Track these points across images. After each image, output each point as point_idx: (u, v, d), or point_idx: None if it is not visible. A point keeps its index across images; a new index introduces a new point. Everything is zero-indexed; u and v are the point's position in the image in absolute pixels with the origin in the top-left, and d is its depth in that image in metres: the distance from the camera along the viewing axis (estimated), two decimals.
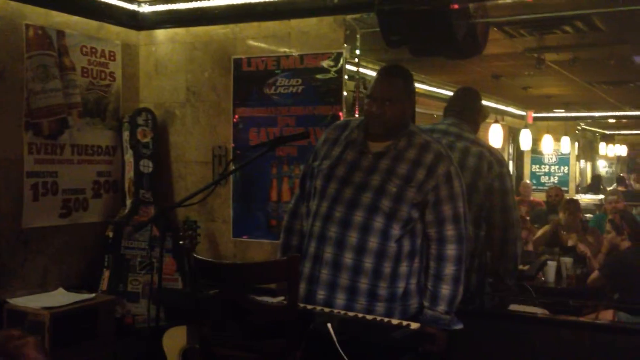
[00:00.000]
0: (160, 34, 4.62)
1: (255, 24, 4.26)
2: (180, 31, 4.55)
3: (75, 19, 4.20)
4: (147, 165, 4.43)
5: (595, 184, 12.68)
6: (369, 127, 2.63)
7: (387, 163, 2.57)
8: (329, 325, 2.18)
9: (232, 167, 4.19)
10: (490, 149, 3.41)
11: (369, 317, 2.39)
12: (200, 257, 2.52)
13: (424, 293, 2.57)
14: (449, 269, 2.52)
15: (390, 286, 2.53)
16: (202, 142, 4.49)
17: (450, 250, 2.53)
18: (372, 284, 2.51)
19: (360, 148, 2.63)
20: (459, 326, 2.57)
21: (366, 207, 2.52)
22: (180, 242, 4.08)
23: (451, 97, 3.60)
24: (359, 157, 2.61)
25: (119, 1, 4.40)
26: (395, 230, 2.51)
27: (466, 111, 3.45)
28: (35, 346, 1.58)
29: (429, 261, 2.57)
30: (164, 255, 4.23)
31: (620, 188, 10.74)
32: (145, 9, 4.54)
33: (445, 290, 2.52)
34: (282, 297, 2.52)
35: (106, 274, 4.26)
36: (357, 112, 4.01)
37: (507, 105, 9.37)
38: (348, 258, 2.52)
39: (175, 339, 3.35)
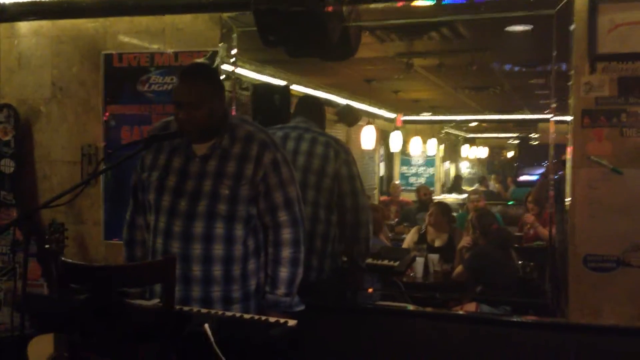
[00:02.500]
0: (24, 26, 4.35)
1: (126, 18, 4.12)
2: (45, 24, 4.31)
3: None
4: (8, 165, 4.18)
5: (457, 184, 13.42)
6: (183, 133, 2.57)
7: (215, 164, 2.55)
8: (206, 325, 2.15)
9: (102, 166, 4.03)
10: (336, 139, 3.60)
11: (246, 316, 2.38)
12: (68, 260, 2.41)
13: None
14: (286, 252, 2.58)
15: (242, 287, 2.57)
16: (69, 140, 4.28)
17: (286, 234, 2.59)
18: (225, 290, 2.53)
19: (186, 153, 2.59)
20: (301, 307, 2.63)
21: (204, 216, 2.51)
22: (46, 246, 3.88)
23: (296, 104, 3.78)
24: (186, 163, 2.57)
25: None
26: (239, 231, 2.54)
27: (313, 114, 3.65)
28: None
29: (268, 248, 2.62)
30: (28, 260, 4.01)
31: (481, 188, 11.43)
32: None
33: (284, 273, 2.58)
34: (157, 300, 2.47)
35: None
36: (233, 112, 3.99)
37: (378, 108, 9.69)
38: (196, 270, 2.51)
39: (41, 348, 3.18)
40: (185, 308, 2.41)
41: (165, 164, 2.60)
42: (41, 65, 4.33)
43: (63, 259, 2.45)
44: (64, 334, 2.53)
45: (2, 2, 4.25)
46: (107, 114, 4.16)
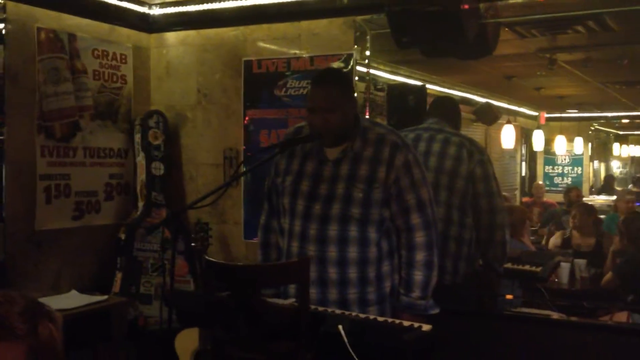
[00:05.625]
0: (171, 36, 4.64)
1: (265, 25, 4.27)
2: (191, 33, 4.56)
3: (86, 22, 4.22)
4: (158, 168, 4.45)
5: (608, 185, 12.60)
6: (317, 137, 2.59)
7: (347, 168, 2.57)
8: (340, 327, 2.16)
9: (243, 169, 4.18)
10: (470, 139, 3.51)
11: (380, 319, 2.37)
12: (211, 259, 2.52)
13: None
14: (420, 256, 2.56)
15: (377, 289, 2.58)
16: (213, 144, 4.50)
17: (419, 237, 2.56)
18: (361, 292, 2.55)
19: (318, 157, 2.62)
20: (436, 310, 2.59)
21: (338, 219, 2.53)
22: (192, 244, 4.09)
23: (430, 105, 3.74)
24: (318, 167, 2.61)
25: (129, 4, 4.41)
26: (372, 234, 2.54)
27: (447, 114, 3.58)
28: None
29: (401, 250, 2.60)
30: (175, 257, 4.24)
31: (634, 189, 10.67)
32: (156, 11, 4.55)
33: (418, 276, 2.56)
34: (293, 299, 2.52)
35: (118, 276, 4.28)
36: (367, 113, 4.00)
37: (519, 106, 9.35)
38: (332, 273, 2.55)
39: (187, 341, 3.36)
40: (320, 309, 2.45)
41: (298, 168, 2.65)
42: (187, 73, 4.58)
43: (207, 257, 2.56)
44: (208, 329, 2.64)
45: (152, 14, 4.55)
46: (246, 118, 4.32)
